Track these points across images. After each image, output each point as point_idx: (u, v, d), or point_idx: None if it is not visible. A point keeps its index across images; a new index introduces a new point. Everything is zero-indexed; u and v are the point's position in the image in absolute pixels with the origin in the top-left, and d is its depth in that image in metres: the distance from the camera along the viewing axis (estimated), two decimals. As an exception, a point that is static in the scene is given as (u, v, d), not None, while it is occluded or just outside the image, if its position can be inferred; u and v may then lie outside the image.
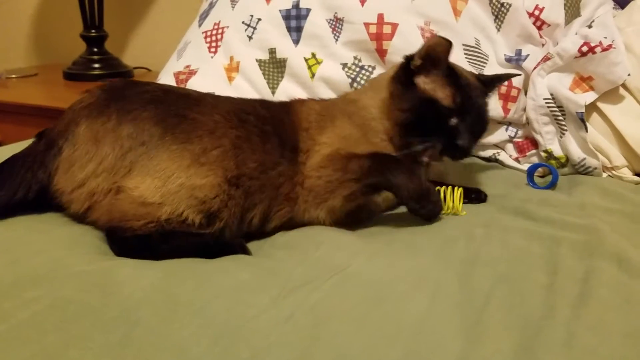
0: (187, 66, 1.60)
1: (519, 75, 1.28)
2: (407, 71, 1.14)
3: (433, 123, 1.10)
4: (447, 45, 1.09)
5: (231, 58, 1.58)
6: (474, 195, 1.22)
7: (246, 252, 0.99)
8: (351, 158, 1.08)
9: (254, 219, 1.07)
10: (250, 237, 1.09)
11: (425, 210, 1.06)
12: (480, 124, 1.16)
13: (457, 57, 1.46)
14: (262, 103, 1.20)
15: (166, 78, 1.63)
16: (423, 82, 1.12)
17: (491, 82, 1.24)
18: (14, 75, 2.34)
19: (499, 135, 1.51)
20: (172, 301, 0.81)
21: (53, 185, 1.01)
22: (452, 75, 1.13)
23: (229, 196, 1.02)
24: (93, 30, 2.33)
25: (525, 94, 1.49)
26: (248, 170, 1.05)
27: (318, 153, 1.10)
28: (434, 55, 1.11)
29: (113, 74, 2.30)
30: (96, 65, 2.32)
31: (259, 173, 1.06)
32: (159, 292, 0.83)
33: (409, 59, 1.15)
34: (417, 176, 1.06)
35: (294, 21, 1.55)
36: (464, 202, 1.16)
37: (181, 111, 1.04)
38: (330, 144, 1.11)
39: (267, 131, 1.10)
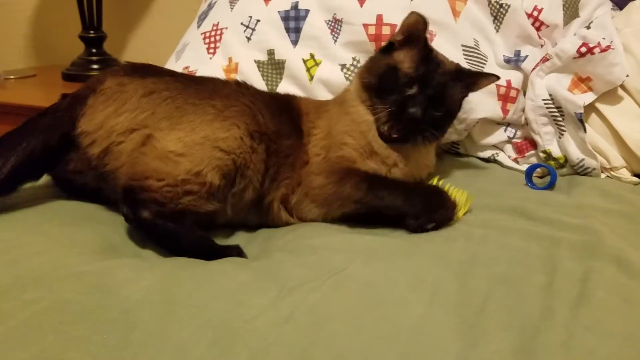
0: (186, 67, 1.60)
1: (498, 78, 1.29)
2: (389, 43, 1.22)
3: (392, 87, 1.15)
4: (423, 22, 1.18)
5: (230, 59, 1.58)
6: None
7: (242, 256, 1.00)
8: (347, 174, 1.11)
9: (267, 180, 1.11)
10: (249, 240, 1.10)
11: (430, 224, 1.05)
12: (440, 104, 1.16)
13: (456, 58, 1.46)
14: (268, 92, 1.32)
15: (165, 80, 1.62)
16: (397, 54, 1.19)
17: (469, 76, 1.25)
18: (12, 76, 2.33)
19: (498, 136, 1.51)
20: (170, 302, 0.81)
21: (77, 129, 1.03)
22: (427, 52, 1.19)
23: (252, 149, 1.07)
24: (92, 31, 2.32)
25: (524, 94, 1.49)
26: (269, 131, 1.12)
27: (315, 137, 1.18)
28: (414, 32, 1.18)
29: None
30: (95, 66, 2.31)
31: (277, 137, 1.13)
32: (158, 293, 0.83)
33: (389, 42, 1.23)
34: (417, 193, 1.10)
35: (293, 22, 1.55)
36: None
37: (198, 81, 1.15)
38: (323, 128, 1.19)
39: (278, 107, 1.18)
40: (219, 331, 0.75)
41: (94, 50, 2.34)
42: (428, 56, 1.18)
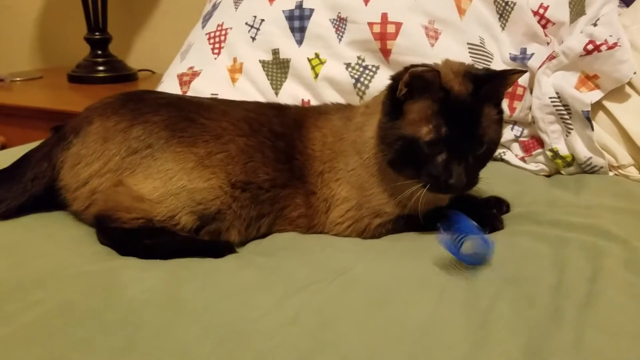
0: (191, 68, 1.60)
1: (524, 72, 1.18)
2: (394, 98, 1.00)
3: (420, 162, 0.98)
4: (435, 75, 0.95)
5: (234, 59, 1.57)
6: (495, 210, 1.14)
7: (233, 251, 0.99)
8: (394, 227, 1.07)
9: (262, 228, 1.07)
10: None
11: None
12: (479, 144, 0.98)
13: (461, 56, 1.45)
14: (277, 113, 1.15)
15: (169, 80, 1.63)
16: (410, 112, 0.98)
17: (487, 82, 0.99)
18: (18, 79, 2.34)
19: (505, 134, 1.49)
20: (175, 303, 0.81)
21: (59, 181, 1.03)
22: (445, 98, 0.97)
23: (233, 198, 1.02)
24: (97, 33, 2.32)
25: (531, 92, 1.48)
26: (259, 180, 1.05)
27: (339, 208, 1.08)
28: (422, 80, 0.96)
29: (117, 77, 2.30)
30: (100, 68, 2.32)
31: (270, 186, 1.07)
32: (163, 294, 0.83)
33: (395, 80, 1.01)
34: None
35: (297, 21, 1.54)
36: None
37: (191, 115, 1.06)
38: (351, 198, 1.07)
39: (279, 149, 1.09)
40: (224, 332, 0.75)
41: (99, 52, 2.35)
42: (447, 100, 0.97)
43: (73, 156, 1.03)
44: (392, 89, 1.02)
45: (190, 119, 1.05)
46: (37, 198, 1.04)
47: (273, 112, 1.16)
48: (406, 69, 0.99)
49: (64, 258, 0.93)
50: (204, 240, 1.01)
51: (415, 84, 0.97)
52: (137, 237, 0.97)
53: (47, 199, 1.05)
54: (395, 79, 1.02)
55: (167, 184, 0.99)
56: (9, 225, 1.03)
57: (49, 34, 2.74)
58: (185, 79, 1.59)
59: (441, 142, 0.96)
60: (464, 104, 0.97)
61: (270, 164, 1.07)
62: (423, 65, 0.98)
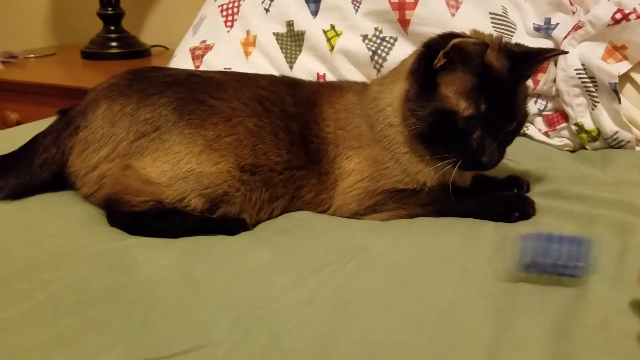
0: (203, 41, 1.57)
1: (565, 53, 1.16)
2: (427, 66, 0.95)
3: (453, 137, 0.95)
4: (481, 49, 0.91)
5: (248, 32, 1.55)
6: (515, 189, 1.11)
7: (246, 228, 0.97)
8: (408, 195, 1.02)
9: (275, 211, 1.05)
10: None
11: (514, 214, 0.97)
12: (511, 123, 0.97)
13: (483, 27, 1.40)
14: (290, 91, 1.11)
15: (182, 54, 1.61)
16: (445, 84, 0.94)
17: (526, 60, 0.99)
18: (32, 55, 2.33)
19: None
20: (191, 282, 0.80)
21: (68, 167, 1.02)
22: (485, 75, 0.93)
23: (242, 182, 1.00)
24: (110, 9, 2.30)
25: (555, 64, 1.43)
26: (270, 162, 1.03)
27: (348, 180, 1.05)
28: (465, 52, 0.92)
29: (130, 53, 2.28)
30: (113, 44, 2.30)
31: (283, 169, 1.04)
32: (178, 273, 0.82)
33: (430, 48, 0.97)
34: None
35: (313, -8, 1.51)
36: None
37: (200, 96, 1.03)
38: (361, 170, 1.04)
39: (293, 130, 1.06)
40: (241, 311, 0.73)
41: (112, 28, 2.33)
42: (486, 76, 0.93)
43: (81, 142, 1.01)
44: (424, 57, 0.98)
45: (199, 100, 1.02)
46: (46, 183, 1.03)
47: (286, 90, 1.11)
48: (443, 37, 0.96)
49: (77, 237, 0.92)
50: (217, 218, 0.99)
51: (456, 55, 0.92)
52: (148, 220, 0.95)
53: (56, 183, 1.04)
54: (430, 47, 0.97)
55: (175, 167, 0.97)
56: (22, 204, 1.02)
57: (61, 10, 2.72)
58: (198, 53, 1.56)
59: (478, 118, 0.93)
60: (503, 81, 0.95)
61: (283, 146, 1.04)
62: (468, 36, 0.95)
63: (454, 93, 0.94)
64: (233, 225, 0.97)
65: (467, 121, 0.93)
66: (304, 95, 1.11)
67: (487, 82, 0.93)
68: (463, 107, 0.93)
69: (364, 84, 1.17)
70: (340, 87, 1.15)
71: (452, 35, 0.93)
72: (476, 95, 0.93)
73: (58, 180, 1.04)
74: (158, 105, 1.00)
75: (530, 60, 0.99)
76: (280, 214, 1.06)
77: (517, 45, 1.05)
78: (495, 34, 1.03)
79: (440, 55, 0.92)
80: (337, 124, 1.07)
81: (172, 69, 1.16)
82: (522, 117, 1.00)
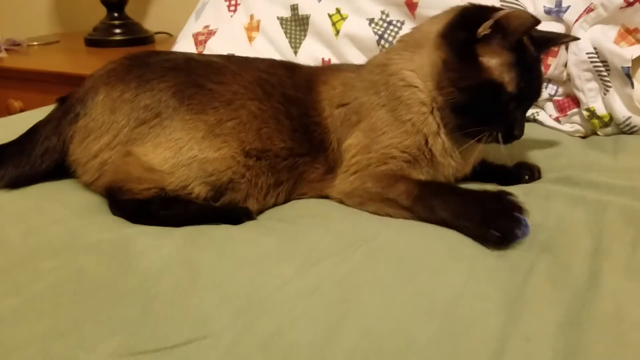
0: (206, 26, 1.55)
1: (577, 40, 1.16)
2: (468, 37, 0.94)
3: (492, 109, 0.95)
4: (532, 23, 0.92)
5: (251, 17, 1.52)
6: (527, 177, 1.09)
7: (251, 217, 0.96)
8: (395, 181, 0.96)
9: (281, 195, 1.03)
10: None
11: (493, 237, 0.83)
12: (537, 98, 1.03)
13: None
14: (290, 73, 1.10)
15: (185, 40, 1.59)
16: (487, 55, 0.94)
17: (545, 44, 1.05)
18: (35, 43, 2.32)
19: (538, 93, 1.43)
20: (192, 272, 0.78)
21: (69, 155, 1.01)
22: (520, 51, 0.95)
23: (247, 167, 0.98)
24: (113, -5, 2.29)
25: (566, 48, 1.40)
26: (275, 148, 1.01)
27: (345, 158, 1.03)
28: (509, 25, 0.92)
29: (134, 40, 2.27)
30: (117, 31, 2.29)
31: (287, 155, 1.02)
32: (179, 263, 0.80)
33: (466, 17, 0.97)
34: (474, 200, 0.90)
35: (318, -25, 1.48)
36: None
37: (199, 80, 1.01)
38: (357, 143, 1.01)
39: (294, 116, 1.04)
40: (243, 302, 0.72)
41: (115, 15, 2.32)
42: (524, 60, 0.95)
43: (81, 130, 0.99)
44: (460, 25, 0.97)
45: (199, 85, 1.00)
46: (47, 173, 1.02)
47: (285, 72, 1.10)
48: (478, 7, 0.99)
49: (77, 226, 0.90)
50: (220, 207, 0.98)
51: (500, 28, 0.92)
52: (151, 208, 0.94)
53: (57, 172, 1.03)
54: (467, 15, 0.98)
55: (177, 154, 0.95)
56: (22, 192, 1.00)
57: (65, -4, 2.71)
58: (201, 39, 1.54)
59: (516, 95, 0.95)
60: (533, 59, 0.99)
61: (286, 132, 1.02)
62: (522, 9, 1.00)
63: (498, 65, 0.94)
64: (237, 214, 0.95)
65: (510, 95, 0.95)
66: (303, 78, 1.10)
67: (523, 59, 0.95)
68: (507, 80, 0.94)
69: (361, 64, 1.15)
70: (336, 67, 1.15)
71: (486, 7, 0.98)
72: (517, 70, 0.94)
73: (59, 169, 1.02)
74: (157, 90, 0.98)
75: (545, 44, 1.04)
76: (285, 198, 1.04)
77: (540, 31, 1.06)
78: None
79: (487, 25, 0.92)
80: (331, 103, 1.05)
81: (170, 52, 1.14)
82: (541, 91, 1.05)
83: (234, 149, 0.97)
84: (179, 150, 0.95)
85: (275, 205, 1.03)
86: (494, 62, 0.94)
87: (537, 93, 1.02)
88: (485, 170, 1.09)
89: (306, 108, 1.05)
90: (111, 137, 0.97)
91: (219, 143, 0.97)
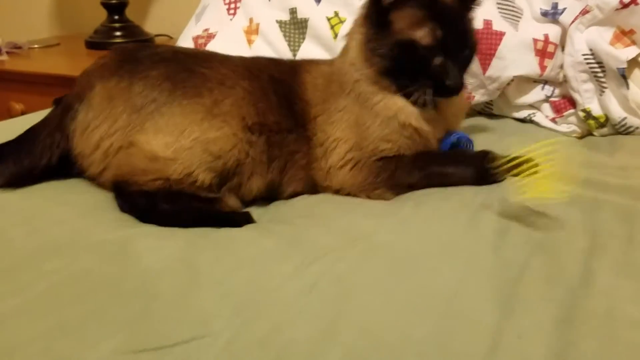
0: (206, 30, 1.56)
1: None
2: (379, 8, 1.02)
3: (416, 66, 1.01)
4: None
5: (250, 20, 1.53)
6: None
7: (251, 221, 0.97)
8: (394, 167, 1.04)
9: (273, 172, 1.06)
10: (270, 204, 1.07)
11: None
12: (465, 49, 1.04)
13: (489, 12, 1.39)
14: (274, 63, 1.17)
15: (185, 43, 1.59)
16: (398, 20, 1.00)
17: None
18: (36, 46, 2.33)
19: (535, 94, 1.43)
20: (192, 272, 0.79)
21: (73, 149, 1.02)
22: (434, 7, 1.01)
23: (250, 143, 1.01)
24: (113, -2, 2.29)
25: (563, 50, 1.41)
26: (269, 122, 1.04)
27: (336, 151, 1.06)
28: None
29: (134, 42, 2.27)
30: (117, 34, 2.29)
31: (278, 129, 1.06)
32: (179, 263, 0.81)
33: None
34: (467, 158, 1.05)
35: (316, -22, 1.49)
36: None
37: (190, 66, 1.04)
38: (347, 138, 1.06)
39: (280, 94, 1.08)
40: (241, 301, 0.73)
41: (116, 17, 2.31)
42: (436, 11, 1.00)
43: (81, 123, 1.01)
44: (373, 1, 1.03)
45: (190, 70, 1.03)
46: (51, 169, 1.03)
47: (269, 61, 1.17)
48: None
49: (80, 226, 0.92)
50: (222, 210, 0.99)
51: None
52: (155, 201, 0.95)
53: (62, 169, 1.04)
54: None
55: (179, 138, 0.97)
56: (25, 193, 1.01)
57: (66, 0, 2.71)
58: (201, 42, 1.55)
59: (437, 44, 0.99)
60: (451, 9, 1.03)
61: (275, 108, 1.06)
62: None
63: (408, 25, 1.00)
64: (239, 219, 0.96)
65: (427, 48, 0.99)
66: (286, 66, 1.17)
67: (437, 12, 1.00)
68: (420, 35, 0.99)
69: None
70: (316, 62, 1.20)
71: None
72: (430, 23, 0.99)
73: (62, 166, 1.03)
74: (151, 77, 1.01)
75: None
76: (277, 177, 1.06)
77: None
78: None
79: None
80: (314, 88, 1.11)
81: (157, 46, 1.17)
82: (474, 44, 1.07)
83: (234, 127, 1.00)
84: (181, 134, 0.97)
85: (272, 181, 1.05)
86: (403, 23, 1.00)
87: (462, 42, 1.03)
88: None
89: (291, 87, 1.10)
90: (110, 124, 0.99)
91: (219, 123, 0.99)
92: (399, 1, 1.00)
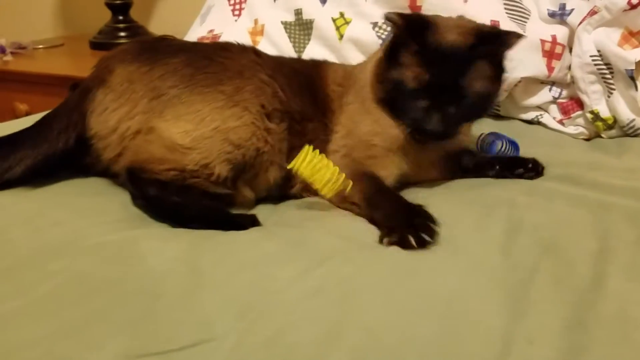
0: (211, 31, 1.56)
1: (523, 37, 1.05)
2: (393, 44, 1.04)
3: (403, 105, 1.01)
4: (421, 23, 0.99)
5: (255, 21, 1.53)
6: (530, 165, 1.09)
7: (257, 224, 0.96)
8: (358, 178, 1.00)
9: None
10: (275, 208, 1.06)
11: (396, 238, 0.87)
12: (461, 96, 0.98)
13: (497, 13, 1.39)
14: (294, 59, 1.23)
15: (190, 43, 1.59)
16: (403, 56, 1.00)
17: (490, 39, 1.01)
18: (40, 46, 2.33)
19: (542, 96, 1.42)
20: (195, 274, 0.78)
21: (89, 130, 1.01)
22: (428, 49, 0.98)
23: (268, 131, 1.01)
24: (118, -2, 2.29)
25: (570, 51, 1.40)
26: (291, 110, 1.06)
27: (336, 136, 1.09)
28: (411, 26, 0.99)
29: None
30: (122, 34, 2.29)
31: (301, 118, 1.07)
32: (183, 265, 0.80)
33: (409, 25, 1.02)
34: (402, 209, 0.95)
35: (321, -21, 1.49)
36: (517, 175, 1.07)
37: (209, 55, 1.06)
38: (344, 125, 1.09)
39: (302, 82, 1.10)
40: (246, 304, 0.72)
41: (120, 18, 2.32)
42: (431, 57, 0.97)
43: (100, 104, 1.00)
44: (393, 36, 1.05)
45: (209, 58, 1.05)
46: (69, 154, 1.01)
47: (291, 59, 1.22)
48: (422, 17, 1.04)
49: (82, 227, 0.91)
50: (229, 212, 0.98)
51: (407, 30, 0.99)
52: (166, 191, 0.95)
53: (78, 154, 1.03)
54: (409, 24, 1.02)
55: (200, 125, 0.97)
56: (27, 193, 1.01)
57: (70, 0, 2.72)
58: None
59: (423, 89, 0.98)
60: (452, 56, 0.98)
61: (298, 95, 1.07)
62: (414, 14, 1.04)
63: (407, 65, 0.99)
64: (244, 222, 0.96)
65: (412, 92, 0.99)
66: (307, 61, 1.23)
67: (432, 57, 0.97)
68: (408, 77, 0.99)
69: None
70: (336, 63, 1.27)
71: (428, 16, 1.03)
72: (419, 68, 0.98)
73: (78, 150, 1.02)
74: (172, 64, 1.01)
75: (492, 39, 1.01)
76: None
77: (490, 26, 1.09)
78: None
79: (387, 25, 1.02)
80: (334, 82, 1.14)
81: (176, 39, 1.17)
82: (478, 94, 0.99)
83: (253, 115, 1.00)
84: (201, 122, 0.97)
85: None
86: (405, 61, 0.99)
87: (454, 90, 0.97)
88: (479, 163, 1.11)
89: (312, 78, 1.13)
90: (130, 107, 0.99)
91: (240, 111, 0.99)
92: (405, 42, 0.99)
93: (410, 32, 0.98)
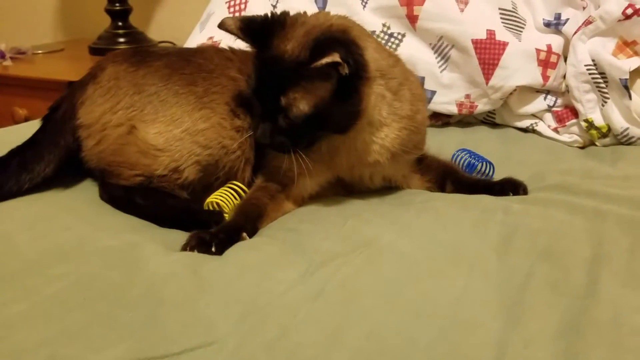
0: (210, 38, 1.56)
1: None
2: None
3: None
4: (264, 26, 0.98)
5: (255, 28, 1.53)
6: (511, 193, 1.06)
7: (222, 221, 0.98)
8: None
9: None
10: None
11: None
12: (276, 109, 0.92)
13: (493, 22, 1.40)
14: None
15: (189, 50, 1.59)
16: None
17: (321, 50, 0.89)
18: (40, 51, 2.33)
19: (537, 104, 1.44)
20: (197, 278, 0.79)
21: (76, 120, 1.06)
22: (262, 56, 0.95)
23: (236, 129, 1.06)
24: (117, 4, 2.29)
25: (565, 60, 1.42)
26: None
27: None
28: (245, 33, 0.98)
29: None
30: (121, 40, 2.29)
31: None
32: (185, 269, 0.81)
33: None
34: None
35: (320, -13, 1.49)
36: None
37: (189, 57, 1.12)
38: None
39: None
40: (248, 306, 0.73)
41: (120, 24, 2.32)
42: (266, 56, 0.94)
43: (89, 97, 1.07)
44: None
45: (188, 60, 1.11)
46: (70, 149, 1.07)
47: None
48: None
49: (85, 232, 0.92)
50: (196, 207, 1.03)
51: (243, 34, 0.98)
52: (132, 195, 1.01)
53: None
54: None
55: (170, 127, 1.02)
56: (31, 199, 1.02)
57: (70, 6, 2.72)
58: (206, 49, 1.55)
59: (254, 96, 0.97)
60: (279, 67, 0.92)
61: None
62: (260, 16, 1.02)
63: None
64: (209, 219, 0.98)
65: (250, 94, 0.98)
66: None
67: (262, 64, 0.95)
68: (248, 81, 1.00)
69: None
70: None
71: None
72: (251, 74, 0.97)
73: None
74: (154, 66, 1.08)
75: (320, 50, 0.88)
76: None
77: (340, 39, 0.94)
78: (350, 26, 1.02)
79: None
80: None
81: (167, 47, 1.29)
82: (301, 114, 0.91)
83: (220, 114, 1.05)
84: (173, 123, 1.02)
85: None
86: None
87: (271, 99, 0.92)
88: (465, 186, 1.08)
89: None
90: (114, 102, 1.05)
91: (208, 113, 1.04)
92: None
93: (246, 36, 0.97)
